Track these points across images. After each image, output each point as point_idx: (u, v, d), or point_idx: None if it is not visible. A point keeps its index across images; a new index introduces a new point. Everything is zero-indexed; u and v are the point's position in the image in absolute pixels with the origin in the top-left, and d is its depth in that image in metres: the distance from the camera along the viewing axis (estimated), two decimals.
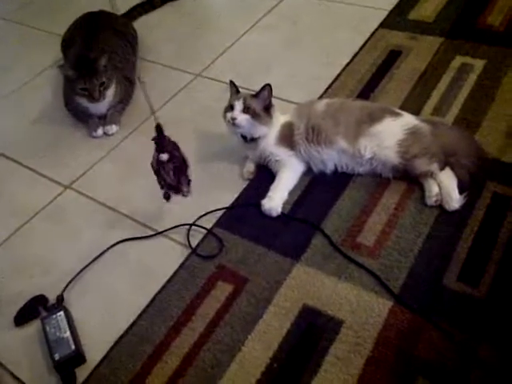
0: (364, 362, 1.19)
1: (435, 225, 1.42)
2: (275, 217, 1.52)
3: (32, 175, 1.85)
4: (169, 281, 1.43)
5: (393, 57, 2.02)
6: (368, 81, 1.93)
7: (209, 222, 1.55)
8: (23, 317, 1.41)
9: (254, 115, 1.55)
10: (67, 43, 2.23)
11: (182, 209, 1.57)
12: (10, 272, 1.55)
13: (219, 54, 2.26)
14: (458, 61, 1.93)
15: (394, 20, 2.21)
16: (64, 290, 1.44)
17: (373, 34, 2.15)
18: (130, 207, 1.66)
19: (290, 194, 1.58)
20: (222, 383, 1.21)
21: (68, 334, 1.31)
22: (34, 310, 1.41)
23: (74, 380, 1.26)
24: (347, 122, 1.55)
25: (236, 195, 1.62)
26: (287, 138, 1.59)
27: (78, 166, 1.84)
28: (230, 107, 1.57)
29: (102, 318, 1.39)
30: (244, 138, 1.61)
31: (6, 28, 2.80)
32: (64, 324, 1.33)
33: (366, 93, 1.88)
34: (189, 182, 1.47)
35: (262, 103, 1.56)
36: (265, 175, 1.64)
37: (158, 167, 1.42)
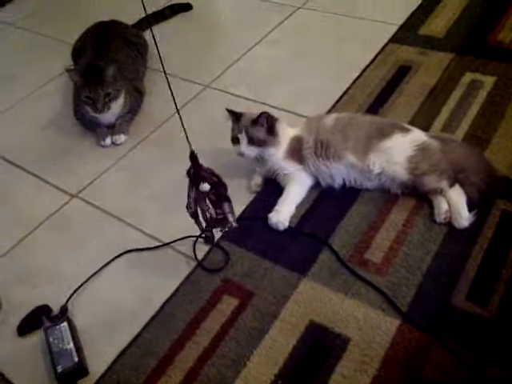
0: (370, 381, 1.17)
1: (444, 242, 1.41)
2: (282, 231, 1.51)
3: (39, 183, 1.85)
4: (174, 293, 1.41)
5: (402, 72, 2.01)
6: (377, 95, 1.93)
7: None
8: (26, 326, 1.40)
9: (260, 143, 1.56)
10: (78, 52, 2.25)
11: (189, 220, 1.56)
12: (13, 281, 1.53)
13: (228, 65, 2.26)
14: (467, 77, 1.92)
15: (404, 35, 2.21)
16: (68, 301, 1.43)
17: (383, 48, 2.15)
18: (136, 217, 1.65)
19: (298, 207, 1.57)
20: None
21: (71, 345, 1.29)
22: (37, 319, 1.40)
23: None
24: (356, 137, 1.54)
25: (243, 208, 1.61)
26: (296, 152, 1.59)
27: (86, 175, 1.84)
28: (236, 139, 1.58)
29: (106, 329, 1.37)
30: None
31: (16, 35, 2.81)
32: (67, 335, 1.32)
33: (375, 108, 1.87)
34: (231, 206, 1.31)
35: (263, 128, 1.56)
36: (272, 188, 1.64)
37: (195, 208, 1.29)
